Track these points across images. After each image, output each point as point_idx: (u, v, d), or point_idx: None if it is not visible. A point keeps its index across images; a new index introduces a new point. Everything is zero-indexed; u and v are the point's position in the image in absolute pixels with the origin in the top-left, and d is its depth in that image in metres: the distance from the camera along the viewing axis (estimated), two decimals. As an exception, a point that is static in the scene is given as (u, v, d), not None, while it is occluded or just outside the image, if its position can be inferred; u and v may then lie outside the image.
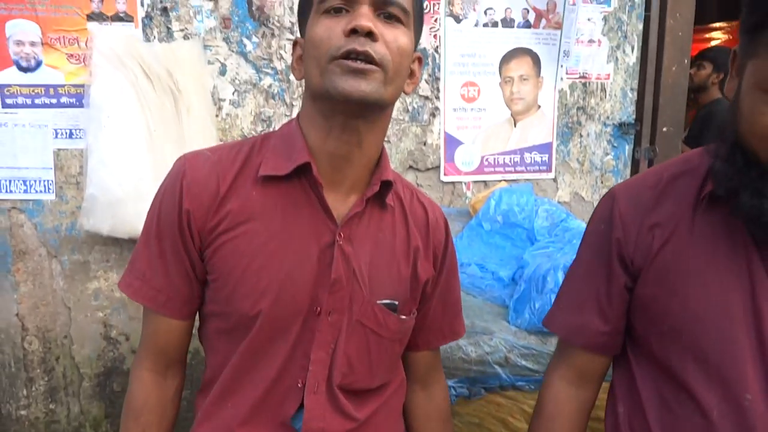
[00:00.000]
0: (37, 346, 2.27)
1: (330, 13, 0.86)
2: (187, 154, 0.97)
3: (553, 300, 1.45)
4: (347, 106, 0.85)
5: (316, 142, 0.92)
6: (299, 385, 0.94)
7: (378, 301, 0.96)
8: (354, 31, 0.83)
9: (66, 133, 2.14)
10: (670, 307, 0.87)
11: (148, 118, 2.06)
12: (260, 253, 0.90)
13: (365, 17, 0.83)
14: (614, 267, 0.93)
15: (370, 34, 0.83)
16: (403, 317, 1.00)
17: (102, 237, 2.14)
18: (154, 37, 2.18)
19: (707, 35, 5.67)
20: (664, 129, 2.83)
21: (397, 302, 0.98)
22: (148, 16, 2.17)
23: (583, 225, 2.01)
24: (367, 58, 0.83)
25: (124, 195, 2.01)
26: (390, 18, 0.87)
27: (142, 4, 2.15)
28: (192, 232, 0.91)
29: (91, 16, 2.10)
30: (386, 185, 0.96)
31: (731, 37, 5.79)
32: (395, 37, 0.87)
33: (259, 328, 0.91)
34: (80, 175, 2.14)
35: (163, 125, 2.08)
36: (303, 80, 0.93)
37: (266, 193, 0.92)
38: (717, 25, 5.81)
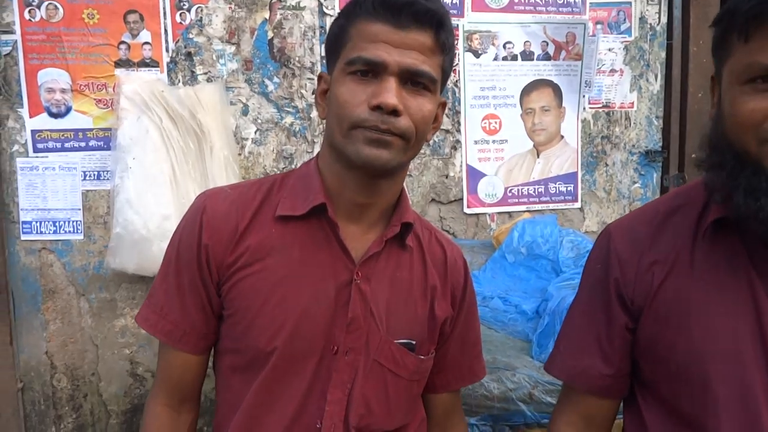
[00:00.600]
0: (66, 383, 2.29)
1: (356, 75, 0.86)
2: (208, 190, 0.99)
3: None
4: (366, 170, 0.88)
5: (334, 185, 0.93)
6: (317, 426, 0.92)
7: (395, 341, 0.95)
8: (379, 107, 0.83)
9: (94, 174, 2.20)
10: (675, 347, 0.83)
11: (172, 159, 2.10)
12: (277, 289, 0.91)
13: (391, 93, 0.83)
14: (614, 308, 0.89)
15: (394, 111, 0.84)
16: (422, 357, 0.98)
17: (128, 275, 2.17)
18: (179, 80, 2.24)
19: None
20: (693, 155, 2.77)
21: (414, 342, 0.97)
22: (173, 61, 2.24)
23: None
24: (390, 132, 0.84)
25: (149, 234, 2.04)
26: (417, 85, 0.87)
27: (167, 50, 2.22)
28: (210, 266, 0.92)
29: (119, 63, 2.18)
30: (406, 227, 0.97)
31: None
32: (420, 107, 0.87)
33: (274, 365, 0.91)
34: (107, 215, 2.19)
35: (187, 165, 2.12)
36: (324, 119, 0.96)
37: (285, 231, 0.93)
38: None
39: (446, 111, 2.55)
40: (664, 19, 2.71)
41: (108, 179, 2.19)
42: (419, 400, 1.06)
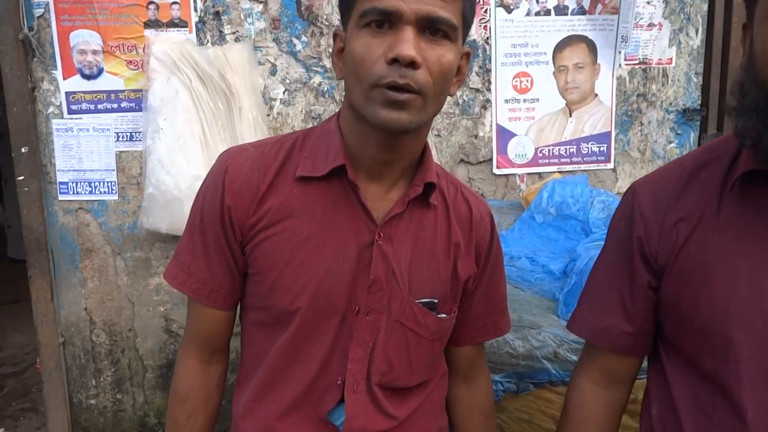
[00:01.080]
0: (104, 338, 2.38)
1: (371, 27, 0.82)
2: (230, 149, 0.97)
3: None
4: (387, 132, 0.86)
5: (355, 146, 0.91)
6: (338, 383, 0.94)
7: (417, 300, 0.95)
8: (396, 60, 0.79)
9: (127, 136, 2.23)
10: (698, 305, 0.81)
11: (202, 120, 2.12)
12: (299, 250, 0.91)
13: (408, 43, 0.79)
14: (637, 266, 0.88)
15: (412, 63, 0.80)
16: (442, 316, 0.98)
17: (161, 234, 2.23)
18: (207, 40, 2.24)
19: None
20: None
21: (436, 300, 0.97)
22: (201, 21, 2.23)
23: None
24: (408, 89, 0.81)
25: (181, 194, 2.08)
26: (436, 33, 0.83)
27: (196, 10, 2.22)
28: (234, 227, 0.92)
29: (148, 24, 2.19)
30: (429, 187, 0.95)
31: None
32: (439, 57, 0.83)
33: (298, 324, 0.92)
34: (140, 176, 2.24)
35: (217, 126, 2.13)
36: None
37: (306, 191, 0.92)
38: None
39: (477, 70, 2.50)
40: (706, -30, 2.58)
41: (140, 140, 2.22)
42: (441, 355, 1.06)
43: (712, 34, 2.61)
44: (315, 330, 0.92)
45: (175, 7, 2.20)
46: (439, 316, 0.98)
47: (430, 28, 0.81)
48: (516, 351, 1.33)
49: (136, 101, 2.21)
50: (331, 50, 2.42)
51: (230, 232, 0.93)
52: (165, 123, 2.10)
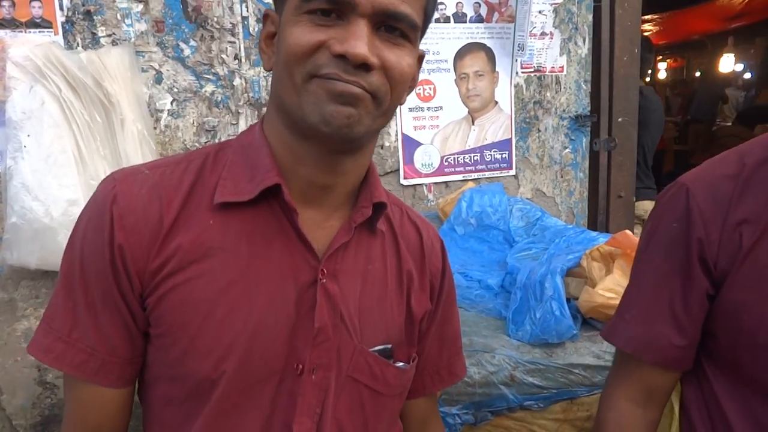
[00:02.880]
0: (-40, 402, 1.98)
1: (315, 14, 0.66)
2: (118, 172, 0.75)
3: (554, 308, 1.35)
4: (328, 139, 0.69)
5: (286, 159, 0.74)
6: None
7: (371, 349, 0.79)
8: (343, 57, 0.65)
9: (-21, 156, 1.87)
10: (765, 315, 0.76)
11: (75, 134, 1.82)
12: (222, 299, 0.72)
13: (361, 41, 0.64)
14: (695, 271, 0.81)
15: (364, 65, 0.65)
16: (400, 365, 0.82)
17: (29, 271, 1.89)
18: (77, 44, 1.94)
19: (637, 28, 5.83)
20: (620, 119, 2.81)
21: (390, 345, 0.81)
22: (69, 21, 1.93)
23: (559, 222, 1.92)
24: (358, 85, 0.67)
25: (53, 222, 1.77)
26: (393, 31, 0.68)
27: (62, 8, 1.92)
28: (129, 274, 0.71)
29: (2, 23, 1.85)
30: (379, 208, 0.79)
31: (661, 29, 5.96)
32: (398, 60, 0.68)
33: (222, 395, 0.72)
34: (0, 204, 1.88)
35: (94, 141, 1.85)
36: (270, 72, 0.75)
37: (227, 222, 0.73)
38: (647, 17, 5.97)
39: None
40: (591, -19, 2.69)
41: (-3, 161, 1.87)
42: (398, 413, 0.91)
43: (599, 43, 2.71)
44: (245, 401, 0.73)
45: (36, 4, 1.88)
46: (397, 365, 0.81)
47: (387, 25, 0.68)
48: (472, 379, 1.23)
49: (-11, 114, 1.85)
50: (223, 56, 2.21)
51: (125, 281, 0.71)
52: (29, 140, 1.78)
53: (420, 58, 0.79)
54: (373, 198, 0.78)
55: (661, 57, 8.13)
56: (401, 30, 0.68)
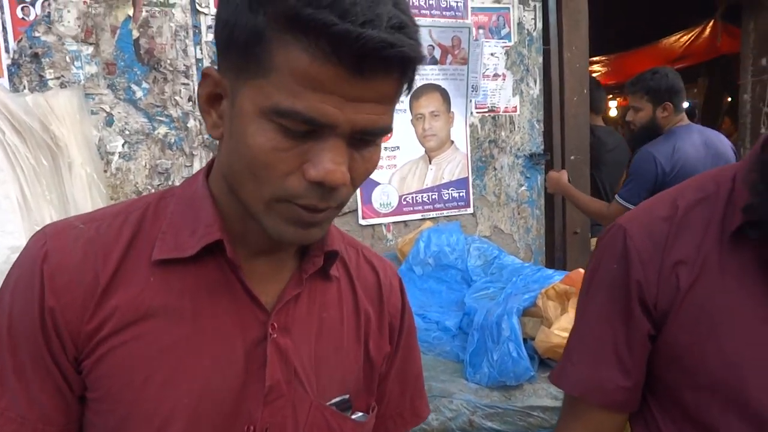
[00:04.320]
0: None
1: (285, 127, 0.59)
2: (48, 227, 0.69)
3: (511, 349, 1.34)
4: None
5: (232, 213, 0.69)
6: None
7: (328, 403, 0.74)
8: (320, 183, 0.59)
9: None
10: (706, 356, 0.76)
11: (20, 179, 1.76)
12: (163, 361, 0.67)
13: (340, 166, 0.59)
14: (635, 313, 0.81)
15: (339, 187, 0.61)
16: (359, 415, 0.78)
17: (-32, 324, 1.78)
18: (24, 86, 1.89)
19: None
20: (572, 157, 2.88)
21: (348, 396, 0.77)
22: (16, 64, 1.89)
23: (516, 261, 1.93)
24: (326, 209, 0.63)
25: (-6, 271, 1.68)
26: (368, 142, 0.63)
27: (8, 51, 1.87)
28: (62, 338, 0.66)
29: (-57, 65, 1.79)
30: (331, 256, 0.75)
31: (609, 69, 6.21)
32: (368, 160, 0.63)
33: None
34: (-64, 252, 1.79)
35: (40, 185, 1.78)
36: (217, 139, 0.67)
37: (167, 280, 0.68)
38: (595, 59, 6.21)
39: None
40: (539, 25, 2.79)
41: (-66, 207, 1.78)
42: None
43: (549, 84, 2.80)
44: None
45: (-20, 46, 1.83)
46: (353, 417, 0.77)
47: (364, 138, 0.62)
48: (430, 425, 1.20)
49: (-73, 159, 1.78)
50: (177, 98, 2.18)
51: (57, 345, 0.66)
52: (-30, 185, 1.70)
53: None
54: (324, 246, 0.74)
55: (611, 96, 8.44)
56: (374, 139, 0.63)
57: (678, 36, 5.54)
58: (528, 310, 1.43)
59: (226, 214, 0.69)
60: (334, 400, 0.75)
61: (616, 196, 2.56)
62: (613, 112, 9.05)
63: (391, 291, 0.85)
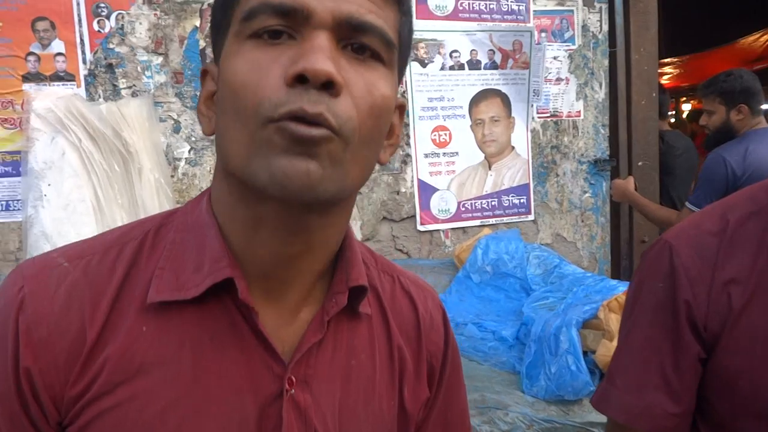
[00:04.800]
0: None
1: (262, 38, 0.51)
2: (26, 266, 0.57)
3: (570, 362, 1.30)
4: (288, 203, 0.52)
5: (240, 241, 0.57)
6: None
7: None
8: (302, 79, 0.49)
9: (2, 205, 1.91)
10: (762, 383, 0.72)
11: (94, 183, 1.85)
12: (161, 425, 0.56)
13: (323, 53, 0.49)
14: (684, 334, 0.76)
15: (329, 85, 0.49)
16: None
17: (45, 320, 1.89)
18: (99, 95, 2.00)
19: (659, 71, 5.84)
20: (640, 163, 2.77)
21: None
22: (92, 74, 1.99)
23: (578, 270, 1.87)
24: (322, 123, 0.49)
25: (70, 271, 1.78)
26: (362, 52, 0.53)
27: (84, 62, 1.98)
28: (41, 402, 0.55)
29: (27, 77, 1.92)
30: (358, 293, 0.62)
31: (682, 71, 5.95)
32: (368, 84, 0.53)
33: None
34: (19, 251, 1.91)
35: (113, 190, 1.87)
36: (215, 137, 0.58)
37: (164, 327, 0.56)
38: (667, 60, 5.97)
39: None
40: (605, 27, 2.70)
41: (18, 209, 1.91)
42: None
43: (615, 88, 2.71)
44: None
45: (60, 58, 1.95)
46: None
47: (354, 42, 0.52)
48: (484, 437, 1.18)
49: (12, 164, 1.90)
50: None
51: (35, 410, 0.55)
52: (49, 189, 1.81)
53: (400, 108, 0.63)
54: (349, 281, 0.61)
55: (684, 98, 8.08)
56: (372, 49, 0.53)
57: (758, 35, 5.24)
58: (589, 322, 1.38)
59: (233, 242, 0.57)
60: None
61: (686, 203, 2.45)
62: (687, 115, 8.69)
63: (432, 326, 0.72)
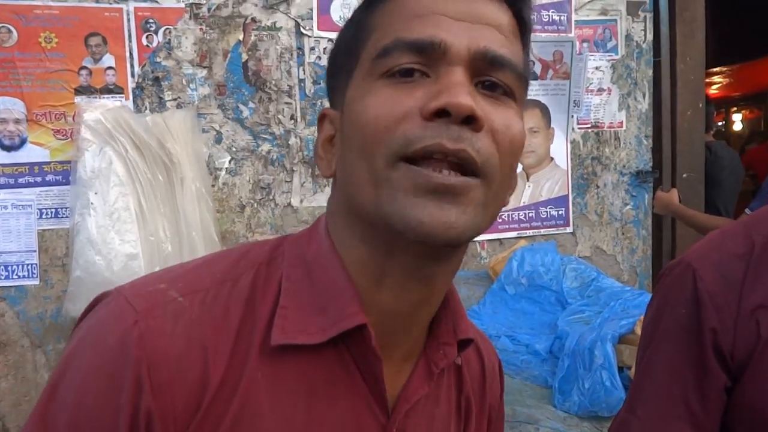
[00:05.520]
0: (20, 448, 2.05)
1: (394, 77, 0.49)
2: (131, 294, 0.51)
3: (604, 377, 1.27)
4: (423, 248, 0.50)
5: (363, 286, 0.54)
6: None
7: None
8: (443, 113, 0.46)
9: (51, 212, 2.00)
10: None
11: (138, 192, 1.92)
12: None
13: (463, 88, 0.47)
14: (710, 363, 0.73)
15: (470, 120, 0.47)
16: None
17: (91, 323, 1.96)
18: (146, 107, 2.07)
19: (707, 80, 5.67)
20: (684, 175, 2.70)
21: None
22: (139, 87, 2.07)
23: (616, 284, 1.83)
24: (462, 165, 0.47)
25: (114, 276, 1.84)
26: (495, 90, 0.51)
27: (133, 75, 2.06)
28: None
29: (79, 90, 2.00)
30: (465, 345, 0.60)
31: (732, 80, 5.77)
32: (507, 122, 0.50)
33: None
34: (66, 257, 1.99)
35: (156, 199, 1.94)
36: (332, 177, 0.57)
37: (281, 370, 0.52)
38: (716, 69, 5.80)
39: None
40: (650, 37, 2.65)
41: (67, 217, 1.99)
42: None
43: (659, 98, 2.65)
44: None
45: (110, 72, 2.03)
46: None
47: (486, 80, 0.50)
48: (513, 452, 1.16)
49: (63, 174, 1.99)
50: (279, 117, 2.30)
51: None
52: (96, 197, 1.88)
53: None
54: (458, 333, 0.59)
55: (735, 108, 7.83)
56: (505, 86, 0.51)
57: (813, 43, 5.05)
58: (625, 337, 1.35)
59: (354, 276, 0.53)
60: None
61: (746, 210, 2.36)
62: (738, 126, 8.41)
63: (494, 378, 0.72)
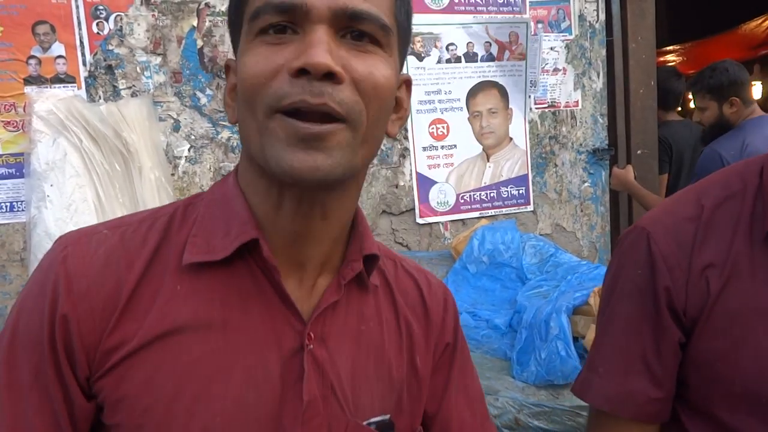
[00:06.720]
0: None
1: (267, 34, 0.57)
2: (71, 233, 0.64)
3: (560, 347, 1.32)
4: (301, 185, 0.59)
5: (264, 212, 0.64)
6: None
7: (366, 422, 0.68)
8: (304, 71, 0.54)
9: (6, 206, 1.95)
10: (740, 363, 0.73)
11: (96, 183, 1.89)
12: (192, 377, 0.60)
13: (322, 47, 0.54)
14: (665, 321, 0.77)
15: (330, 75, 0.54)
16: None
17: (52, 317, 1.93)
18: (99, 96, 2.03)
19: (661, 58, 5.79)
20: (639, 152, 2.78)
21: (389, 416, 0.70)
22: (92, 76, 2.03)
23: (573, 258, 1.89)
24: (327, 114, 0.55)
25: (74, 269, 1.82)
26: (361, 39, 0.58)
27: (85, 64, 2.01)
28: (73, 352, 0.58)
29: (29, 80, 1.95)
30: (371, 261, 0.69)
31: (685, 59, 5.92)
32: (370, 69, 0.58)
33: None
34: (24, 252, 1.95)
35: (114, 189, 1.91)
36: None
37: (196, 287, 0.62)
38: (670, 48, 5.94)
39: (392, 118, 2.44)
40: (602, 16, 2.71)
41: (22, 210, 1.94)
42: None
43: (613, 77, 2.71)
44: None
45: (61, 61, 1.98)
46: None
47: (352, 30, 0.57)
48: (474, 422, 1.20)
49: (16, 166, 1.94)
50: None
51: (64, 362, 0.58)
52: (52, 189, 1.85)
53: (406, 83, 0.69)
54: (363, 249, 0.68)
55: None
56: (370, 34, 0.58)
57: (760, 21, 5.21)
58: (580, 309, 1.40)
59: (258, 213, 0.64)
60: (373, 420, 0.68)
61: None
62: (692, 104, 8.63)
63: (439, 307, 0.77)
